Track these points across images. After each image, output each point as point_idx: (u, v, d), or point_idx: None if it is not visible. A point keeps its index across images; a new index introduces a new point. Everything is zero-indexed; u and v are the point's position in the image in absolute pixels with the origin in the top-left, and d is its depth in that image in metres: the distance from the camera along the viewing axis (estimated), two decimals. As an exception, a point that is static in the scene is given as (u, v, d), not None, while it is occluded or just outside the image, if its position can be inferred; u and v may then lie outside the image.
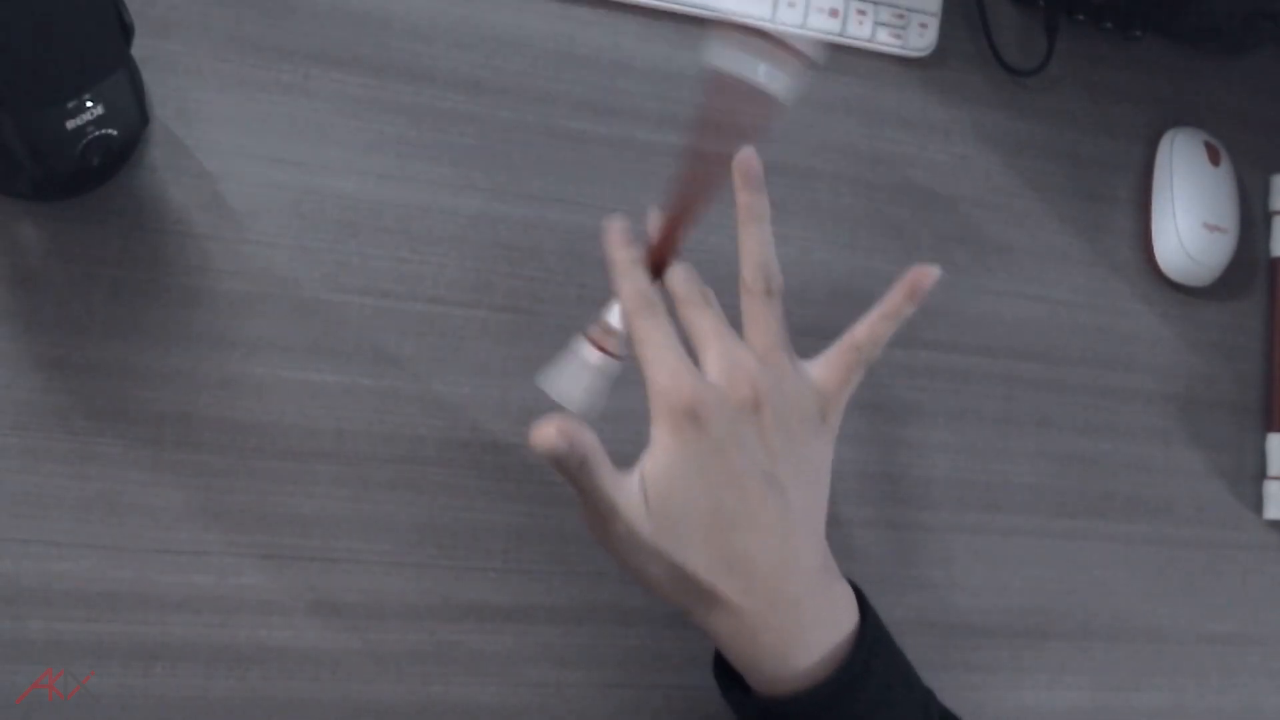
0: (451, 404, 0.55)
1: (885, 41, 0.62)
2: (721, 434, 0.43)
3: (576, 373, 0.47)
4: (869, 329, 0.48)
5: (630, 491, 0.43)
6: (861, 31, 0.62)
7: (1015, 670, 0.63)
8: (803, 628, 0.44)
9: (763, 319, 0.46)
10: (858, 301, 0.62)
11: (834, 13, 0.61)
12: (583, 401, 0.46)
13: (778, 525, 0.43)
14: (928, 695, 0.48)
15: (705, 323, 0.46)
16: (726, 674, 0.48)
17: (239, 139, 0.53)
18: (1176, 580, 0.66)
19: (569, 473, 0.42)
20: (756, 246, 0.47)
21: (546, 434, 0.41)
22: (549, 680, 0.55)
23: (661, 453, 0.43)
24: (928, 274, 0.48)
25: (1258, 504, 0.69)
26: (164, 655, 0.50)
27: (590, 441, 0.41)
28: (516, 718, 0.54)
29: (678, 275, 0.47)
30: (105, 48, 0.44)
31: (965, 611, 0.62)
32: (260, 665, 0.51)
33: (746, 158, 0.47)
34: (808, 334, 0.60)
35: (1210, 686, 0.67)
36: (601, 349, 0.46)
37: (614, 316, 0.47)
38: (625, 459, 0.58)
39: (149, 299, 0.51)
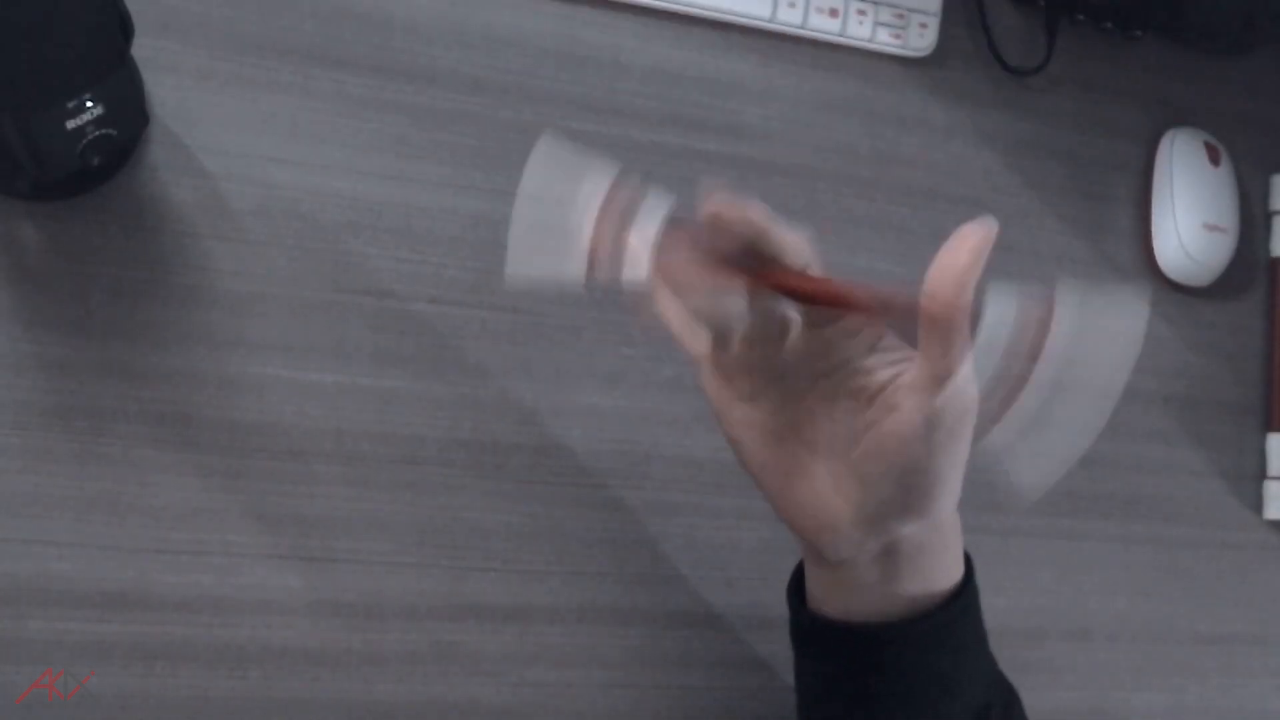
0: (451, 404, 0.55)
1: (885, 41, 0.62)
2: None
3: None
4: None
5: None
6: (861, 31, 0.62)
7: (1015, 670, 0.63)
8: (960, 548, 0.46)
9: None
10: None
11: (834, 13, 0.61)
12: None
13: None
14: (992, 657, 0.50)
15: None
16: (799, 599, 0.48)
17: (239, 139, 0.53)
18: (1176, 580, 0.66)
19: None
20: None
21: None
22: (549, 680, 0.55)
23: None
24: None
25: (1258, 504, 0.69)
26: (164, 655, 0.50)
27: None
28: (516, 718, 0.54)
29: None
30: (105, 48, 0.44)
31: (965, 611, 0.62)
32: (260, 665, 0.51)
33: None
34: (808, 334, 0.60)
35: (1210, 686, 0.67)
36: None
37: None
38: (638, 458, 0.57)
39: (149, 299, 0.51)
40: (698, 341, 0.44)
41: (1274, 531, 0.69)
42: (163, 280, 0.52)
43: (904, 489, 0.41)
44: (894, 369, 0.41)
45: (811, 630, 0.47)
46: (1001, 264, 0.64)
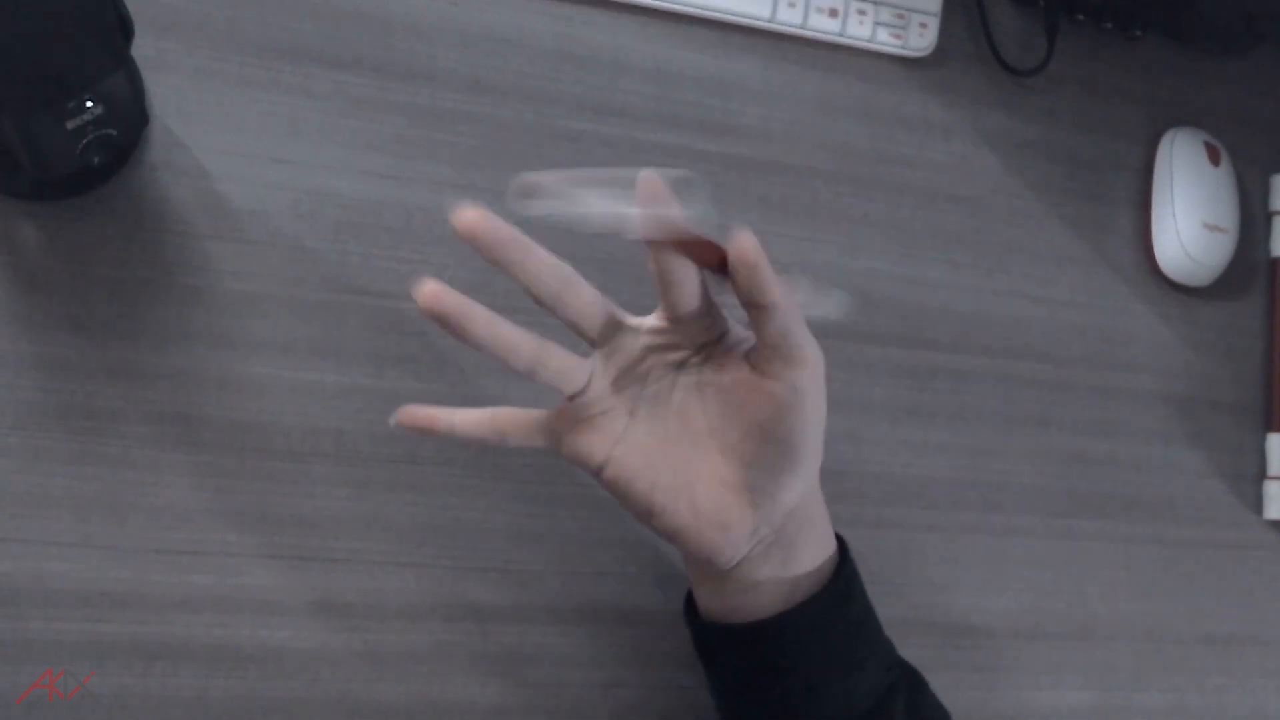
0: (451, 404, 0.54)
1: (885, 41, 0.62)
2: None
3: None
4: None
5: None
6: (861, 31, 0.62)
7: (1015, 670, 0.63)
8: (829, 539, 0.49)
9: None
10: (858, 301, 0.62)
11: (834, 13, 0.61)
12: None
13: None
14: (890, 642, 0.51)
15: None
16: (693, 613, 0.51)
17: (239, 139, 0.53)
18: (1176, 580, 0.66)
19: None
20: None
21: None
22: (549, 680, 0.55)
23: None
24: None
25: (1258, 504, 0.69)
26: (164, 655, 0.50)
27: None
28: (516, 718, 0.54)
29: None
30: (105, 48, 0.44)
31: (965, 611, 0.62)
32: (260, 665, 0.51)
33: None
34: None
35: (1210, 686, 0.67)
36: None
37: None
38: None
39: (149, 299, 0.51)
40: (534, 429, 0.46)
41: (1274, 531, 0.69)
42: (163, 280, 0.52)
43: (784, 454, 0.44)
44: (742, 351, 0.45)
45: (713, 639, 0.49)
46: (1002, 264, 0.65)
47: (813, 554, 0.47)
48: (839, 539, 0.50)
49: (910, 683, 0.50)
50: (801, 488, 0.45)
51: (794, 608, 0.46)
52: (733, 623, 0.48)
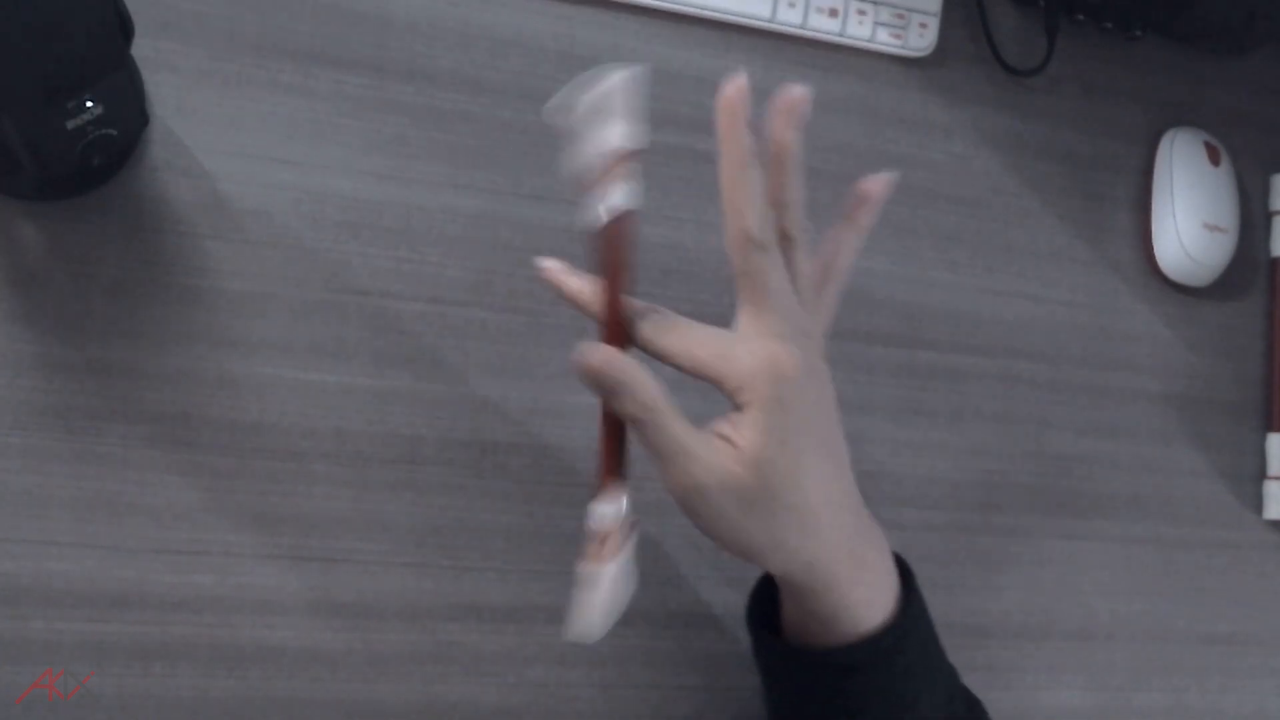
0: (451, 404, 0.55)
1: (885, 41, 0.62)
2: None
3: (603, 600, 0.43)
4: (846, 254, 0.47)
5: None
6: (861, 31, 0.62)
7: (1015, 670, 0.63)
8: (885, 573, 0.46)
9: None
10: (858, 301, 0.62)
11: (834, 13, 0.61)
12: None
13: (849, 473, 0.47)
14: (952, 670, 0.50)
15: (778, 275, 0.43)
16: (761, 625, 0.49)
17: (239, 139, 0.53)
18: (1176, 580, 0.66)
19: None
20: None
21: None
22: (549, 680, 0.55)
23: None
24: (877, 181, 0.46)
25: (1258, 504, 0.69)
26: (164, 655, 0.50)
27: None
28: (516, 718, 0.54)
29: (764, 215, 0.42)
30: (105, 48, 0.44)
31: (965, 611, 0.62)
32: (260, 665, 0.51)
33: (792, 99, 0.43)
34: (808, 334, 0.60)
35: (1210, 686, 0.67)
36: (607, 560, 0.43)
37: (597, 520, 0.44)
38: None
39: (149, 299, 0.51)
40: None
41: (1274, 531, 0.69)
42: (163, 280, 0.52)
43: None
44: None
45: (773, 658, 0.49)
46: (1002, 264, 0.65)
47: (842, 599, 0.45)
48: (905, 568, 0.48)
49: (970, 712, 0.50)
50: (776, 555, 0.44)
51: (841, 646, 0.45)
52: (791, 644, 0.48)
